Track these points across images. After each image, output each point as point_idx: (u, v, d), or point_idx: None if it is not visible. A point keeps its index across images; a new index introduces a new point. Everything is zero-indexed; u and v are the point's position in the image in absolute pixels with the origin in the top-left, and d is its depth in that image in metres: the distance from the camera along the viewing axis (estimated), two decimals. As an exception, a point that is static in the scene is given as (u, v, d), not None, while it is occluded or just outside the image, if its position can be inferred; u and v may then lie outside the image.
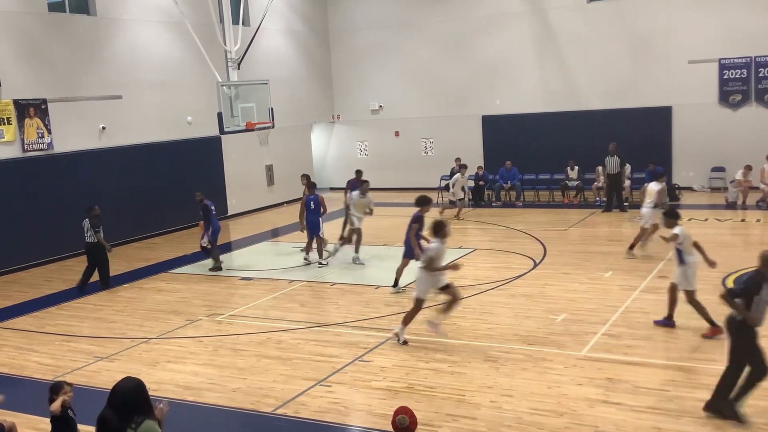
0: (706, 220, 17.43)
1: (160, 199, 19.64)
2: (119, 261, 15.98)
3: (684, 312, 10.45)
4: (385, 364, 9.13)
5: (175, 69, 20.36)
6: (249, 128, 16.59)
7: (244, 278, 14.27)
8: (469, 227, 18.94)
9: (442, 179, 23.57)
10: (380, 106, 26.35)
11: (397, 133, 26.23)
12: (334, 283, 13.44)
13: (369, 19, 25.93)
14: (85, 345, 10.76)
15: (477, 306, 11.45)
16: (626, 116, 22.17)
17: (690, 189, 21.58)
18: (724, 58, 20.94)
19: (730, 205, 18.86)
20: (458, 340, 9.94)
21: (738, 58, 20.79)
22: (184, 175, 20.30)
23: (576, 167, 21.50)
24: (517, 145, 23.38)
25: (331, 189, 27.23)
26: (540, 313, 10.82)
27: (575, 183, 21.35)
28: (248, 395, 8.49)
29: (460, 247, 15.75)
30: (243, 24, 18.17)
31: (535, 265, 13.86)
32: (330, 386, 8.58)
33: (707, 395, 7.57)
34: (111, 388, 4.71)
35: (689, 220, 17.63)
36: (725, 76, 21.08)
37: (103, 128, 18.41)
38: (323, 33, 26.66)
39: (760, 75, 20.62)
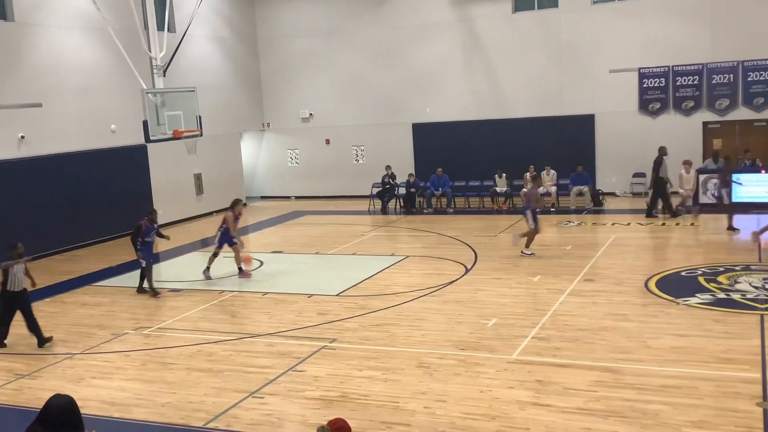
0: (628, 224, 18.00)
1: (83, 209, 19.03)
2: (40, 275, 15.34)
3: (611, 314, 10.76)
4: (318, 374, 9.06)
5: (98, 76, 19.80)
6: (176, 136, 16.24)
7: (172, 290, 13.94)
8: (401, 234, 19.04)
9: (373, 187, 23.64)
10: (311, 114, 26.26)
11: (328, 141, 26.19)
12: (266, 293, 13.28)
13: (298, 26, 25.83)
14: (5, 362, 10.31)
15: (410, 313, 11.50)
16: (552, 124, 22.74)
17: (613, 194, 22.26)
18: (644, 68, 21.73)
19: (651, 210, 19.48)
20: (391, 347, 9.96)
21: (657, 67, 21.60)
22: (108, 184, 19.74)
23: (504, 174, 21.89)
24: (447, 153, 23.66)
25: (262, 198, 26.95)
26: (472, 319, 10.94)
27: (504, 189, 21.75)
28: (178, 410, 8.28)
29: (392, 255, 15.82)
30: (168, 30, 17.83)
31: (467, 271, 14.03)
32: (263, 398, 8.46)
33: (633, 395, 7.81)
34: (42, 405, 4.50)
35: (613, 224, 18.20)
36: (645, 85, 21.86)
37: (23, 137, 17.73)
38: (251, 40, 26.41)
39: (678, 84, 21.47)
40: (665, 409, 7.41)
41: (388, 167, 23.36)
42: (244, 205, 16.58)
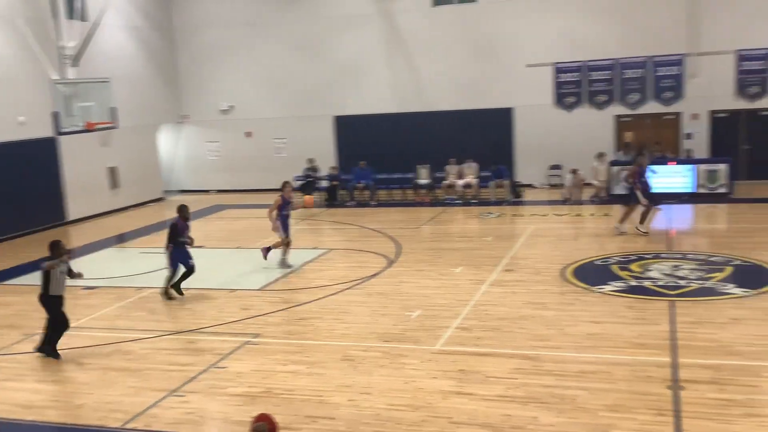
0: (546, 215, 18.48)
1: (-11, 205, 18.15)
2: (-57, 274, 14.60)
3: (530, 303, 11.02)
4: (241, 370, 8.94)
5: (5, 66, 18.82)
6: (89, 128, 15.70)
7: (87, 287, 13.42)
8: (324, 227, 18.97)
9: (295, 179, 23.44)
10: (231, 107, 25.80)
11: (248, 134, 25.81)
12: (187, 289, 12.99)
13: (216, 16, 25.30)
14: None
15: (334, 306, 11.48)
16: (472, 117, 23.07)
17: (531, 186, 22.80)
18: (559, 63, 22.29)
19: (566, 201, 20.08)
20: (316, 341, 9.91)
21: (571, 62, 22.19)
22: (16, 178, 18.87)
23: (426, 166, 22.10)
24: (370, 145, 23.67)
25: (181, 192, 26.33)
26: (396, 311, 11.01)
27: (426, 182, 21.96)
28: (94, 411, 8.02)
29: (315, 248, 15.74)
30: (81, 19, 17.15)
31: (390, 263, 14.10)
32: (184, 396, 8.28)
33: (552, 381, 8.03)
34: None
35: (531, 215, 18.65)
36: (560, 80, 22.43)
37: None
38: (168, 30, 25.71)
39: (591, 78, 22.12)
40: (582, 394, 7.65)
41: (310, 160, 23.21)
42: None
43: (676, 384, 7.78)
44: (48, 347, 9.75)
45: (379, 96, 24.03)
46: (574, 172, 20.10)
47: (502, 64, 22.76)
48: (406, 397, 7.86)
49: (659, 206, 16.21)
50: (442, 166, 21.85)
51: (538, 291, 11.63)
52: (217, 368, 9.06)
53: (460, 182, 21.56)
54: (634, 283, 11.74)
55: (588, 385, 7.89)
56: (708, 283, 11.43)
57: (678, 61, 21.13)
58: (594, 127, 22.07)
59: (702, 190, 19.28)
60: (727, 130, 21.24)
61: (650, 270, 12.42)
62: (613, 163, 20.33)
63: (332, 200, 22.42)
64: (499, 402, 7.60)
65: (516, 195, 21.34)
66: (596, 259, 13.45)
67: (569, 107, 22.43)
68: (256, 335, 10.20)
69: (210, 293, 12.66)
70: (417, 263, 13.98)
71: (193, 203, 23.73)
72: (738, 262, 12.59)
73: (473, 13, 22.99)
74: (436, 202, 21.25)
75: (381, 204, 21.78)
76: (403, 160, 22.82)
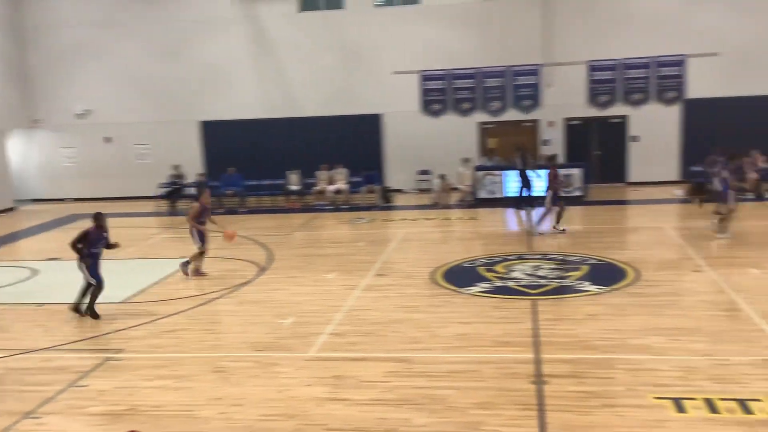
0: (416, 219, 18.85)
1: None
2: None
3: (402, 306, 11.17)
4: (103, 387, 8.47)
5: None
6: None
7: (-73, 306, 12.31)
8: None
9: (160, 187, 22.64)
10: (87, 111, 24.56)
11: (108, 139, 24.65)
12: (42, 304, 12.19)
13: (72, 16, 24.03)
14: None
15: (203, 317, 11.14)
16: (342, 123, 23.21)
17: (401, 191, 23.20)
18: (425, 71, 22.87)
19: (435, 205, 20.60)
20: (184, 353, 9.57)
21: (436, 70, 22.83)
22: None
23: (298, 172, 21.99)
24: (238, 151, 23.26)
25: (34, 201, 24.75)
26: (268, 319, 10.84)
27: (297, 188, 21.84)
28: (-63, 441, 7.34)
29: (182, 257, 15.23)
30: None
31: (262, 270, 13.88)
32: (40, 418, 7.74)
33: (423, 382, 8.16)
34: None
35: (402, 220, 18.97)
36: (426, 87, 23.02)
37: None
38: (17, 29, 24.12)
39: (455, 86, 22.85)
40: (452, 393, 7.83)
41: (175, 166, 22.49)
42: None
43: (539, 379, 8.12)
44: None
45: (248, 101, 23.67)
46: (441, 177, 20.64)
47: (370, 70, 23.04)
48: (280, 406, 7.74)
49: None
50: (313, 172, 21.83)
51: (409, 294, 11.82)
52: (76, 387, 8.53)
53: (331, 188, 21.61)
54: (499, 283, 12.18)
55: (458, 384, 8.09)
56: (566, 282, 12.05)
57: (534, 71, 22.26)
58: (459, 134, 22.80)
59: (559, 194, 20.27)
60: (580, 137, 22.55)
61: (513, 271, 12.93)
62: (478, 168, 21.06)
63: (200, 208, 21.79)
64: (374, 406, 7.64)
65: (386, 200, 21.66)
66: (464, 262, 13.85)
67: (435, 114, 23.05)
68: (119, 350, 9.71)
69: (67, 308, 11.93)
70: (289, 270, 13.85)
71: (48, 213, 22.45)
72: (593, 261, 13.37)
73: (339, 19, 23.15)
74: (307, 208, 21.17)
75: (251, 211, 21.44)
76: (273, 166, 22.60)
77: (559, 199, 16.08)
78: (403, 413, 7.44)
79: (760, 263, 12.55)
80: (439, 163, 22.12)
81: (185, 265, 13.70)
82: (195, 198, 13.91)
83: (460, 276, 12.83)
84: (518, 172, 19.75)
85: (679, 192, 20.36)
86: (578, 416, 7.18)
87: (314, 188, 21.75)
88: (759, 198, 18.75)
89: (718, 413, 7.07)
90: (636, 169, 22.31)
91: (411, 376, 8.39)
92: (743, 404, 7.20)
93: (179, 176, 22.61)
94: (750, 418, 6.94)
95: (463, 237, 16.99)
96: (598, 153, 22.60)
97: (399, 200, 22.09)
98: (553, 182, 16.04)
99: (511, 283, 12.13)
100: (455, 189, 21.14)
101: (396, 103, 23.06)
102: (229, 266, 14.44)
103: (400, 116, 23.16)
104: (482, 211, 19.68)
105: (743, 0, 21.07)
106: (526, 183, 19.60)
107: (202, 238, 13.64)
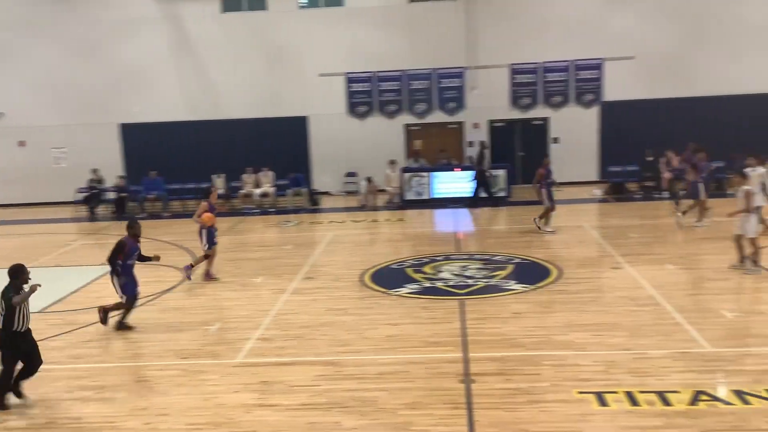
0: (343, 222, 18.82)
1: None
2: None
3: (331, 309, 11.12)
4: (17, 401, 8.11)
5: None
6: None
7: None
8: (112, 242, 17.79)
9: (78, 192, 21.90)
10: (0, 114, 23.54)
11: (22, 143, 23.67)
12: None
13: (-19, 14, 22.98)
14: None
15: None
16: (267, 125, 22.97)
17: (328, 194, 23.13)
18: (351, 73, 22.88)
19: (363, 207, 20.62)
20: (106, 363, 9.27)
21: (362, 72, 22.87)
22: None
23: (223, 175, 21.64)
24: (160, 154, 22.71)
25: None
26: (194, 326, 10.60)
27: (222, 191, 21.48)
28: None
29: (102, 264, 14.74)
30: None
31: (187, 276, 13.56)
32: (-50, 437, 7.36)
33: (353, 385, 8.15)
34: None
35: (330, 222, 18.90)
36: (352, 89, 23.03)
37: None
38: None
39: (381, 89, 22.95)
40: (382, 395, 7.84)
41: (94, 170, 21.81)
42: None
43: (467, 378, 8.22)
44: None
45: (170, 103, 23.16)
46: (368, 179, 20.67)
47: (295, 72, 22.88)
48: (207, 414, 7.58)
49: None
50: (239, 176, 21.52)
51: (338, 297, 11.78)
52: (-10, 403, 8.14)
53: (258, 191, 21.36)
54: (427, 284, 12.28)
55: (387, 385, 8.11)
56: (492, 281, 12.25)
57: (459, 74, 22.58)
58: (386, 136, 22.90)
59: (484, 194, 20.65)
60: (504, 139, 22.99)
61: (441, 271, 13.06)
62: (405, 170, 21.20)
63: (121, 212, 21.19)
64: (303, 411, 7.58)
65: (314, 203, 21.55)
66: (392, 264, 13.91)
67: (362, 116, 23.10)
68: (37, 362, 9.32)
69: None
70: (216, 274, 13.58)
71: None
72: (518, 260, 13.64)
73: (263, 21, 22.92)
74: (233, 212, 20.85)
75: (175, 215, 20.96)
76: (197, 170, 22.16)
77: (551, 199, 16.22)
78: (333, 417, 7.41)
79: (675, 259, 13.06)
80: (366, 165, 22.16)
81: (188, 268, 13.17)
82: (204, 196, 13.36)
83: (389, 278, 12.86)
84: (475, 171, 20.29)
85: (597, 191, 21.01)
86: (506, 413, 7.30)
87: (240, 192, 21.45)
88: (673, 197, 19.49)
89: (639, 406, 7.31)
90: (557, 170, 22.84)
91: (340, 379, 8.36)
92: (662, 396, 7.47)
93: (98, 181, 21.92)
94: (668, 410, 7.20)
95: (391, 239, 17.07)
96: (521, 154, 23.08)
97: (326, 203, 22.02)
98: (544, 181, 16.22)
99: (439, 284, 12.25)
100: (382, 191, 21.22)
101: (322, 106, 22.97)
102: (152, 272, 14.04)
103: (326, 118, 23.08)
104: (410, 213, 19.81)
105: (657, 6, 21.91)
106: (483, 182, 20.09)
107: (210, 239, 13.12)
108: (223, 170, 21.76)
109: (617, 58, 21.91)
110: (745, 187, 12.08)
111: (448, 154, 22.41)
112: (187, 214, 21.05)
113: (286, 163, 21.99)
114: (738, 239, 12.13)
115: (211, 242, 13.19)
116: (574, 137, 22.58)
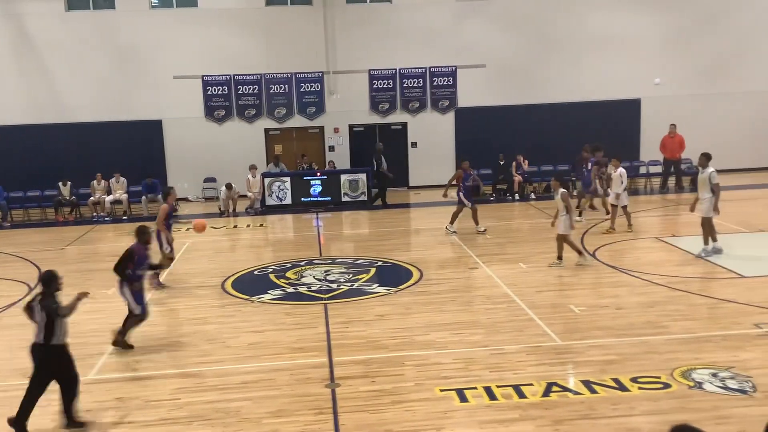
0: (202, 228, 18.29)
1: None
2: None
3: (191, 319, 10.76)
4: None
5: None
6: None
7: None
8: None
9: None
10: None
11: None
12: None
13: None
14: None
15: (-40, 345, 9.94)
16: (119, 129, 21.94)
17: (186, 200, 22.38)
18: (207, 75, 22.31)
19: (223, 213, 20.12)
20: (-62, 388, 8.47)
21: (219, 75, 22.36)
22: None
23: (69, 183, 20.42)
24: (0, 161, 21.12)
25: None
26: (39, 342, 9.91)
27: (69, 199, 20.29)
28: None
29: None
30: None
31: (30, 290, 12.68)
32: None
33: (216, 396, 7.93)
34: None
35: (187, 229, 18.29)
36: (209, 92, 22.47)
37: None
38: None
39: (240, 92, 22.54)
40: (246, 405, 7.68)
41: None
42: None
43: (332, 382, 8.23)
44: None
45: (10, 106, 21.58)
46: (228, 186, 20.19)
47: (147, 74, 22.01)
48: (56, 437, 7.11)
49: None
50: (88, 182, 20.39)
51: (198, 306, 11.44)
52: None
53: (109, 198, 20.36)
54: (291, 290, 12.19)
55: (251, 394, 7.96)
56: (356, 285, 12.34)
57: (319, 78, 22.62)
58: (245, 140, 22.52)
59: (345, 198, 20.82)
60: (364, 143, 23.25)
61: (305, 276, 13.01)
62: (265, 175, 20.95)
63: (-46, 224, 19.49)
64: (162, 426, 7.28)
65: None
66: (254, 269, 13.69)
67: (220, 120, 22.59)
68: None
69: None
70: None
71: None
72: (380, 263, 13.82)
73: (111, 20, 21.90)
74: (82, 221, 19.73)
75: (16, 225, 19.59)
76: (41, 177, 20.80)
77: (472, 200, 16.29)
78: (195, 430, 7.17)
79: (527, 258, 13.72)
80: (226, 170, 21.67)
81: (155, 276, 12.37)
82: (163, 198, 12.94)
83: (251, 284, 12.66)
84: (373, 172, 20.63)
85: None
86: (371, 415, 7.37)
87: (90, 199, 20.33)
88: (523, 198, 20.52)
89: (497, 400, 7.61)
90: (416, 174, 23.44)
91: (202, 391, 8.11)
92: (518, 389, 7.81)
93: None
94: (524, 402, 7.54)
95: (253, 245, 16.79)
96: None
97: (184, 209, 21.27)
98: (462, 183, 16.32)
99: (302, 289, 12.19)
100: (243, 196, 20.84)
101: (178, 109, 22.23)
102: (-8, 287, 13.04)
103: (182, 122, 22.37)
104: (271, 218, 19.59)
105: (505, 17, 22.94)
106: (382, 182, 20.48)
107: (169, 242, 12.68)
108: (71, 177, 20.52)
109: (470, 66, 22.76)
110: (562, 190, 13.04)
111: (309, 159, 22.37)
112: (31, 224, 19.76)
113: (140, 168, 21.08)
114: (560, 239, 13.05)
115: (171, 245, 12.89)
116: (432, 142, 23.21)
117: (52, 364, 7.35)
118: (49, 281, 7.52)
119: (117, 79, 21.95)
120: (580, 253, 13.03)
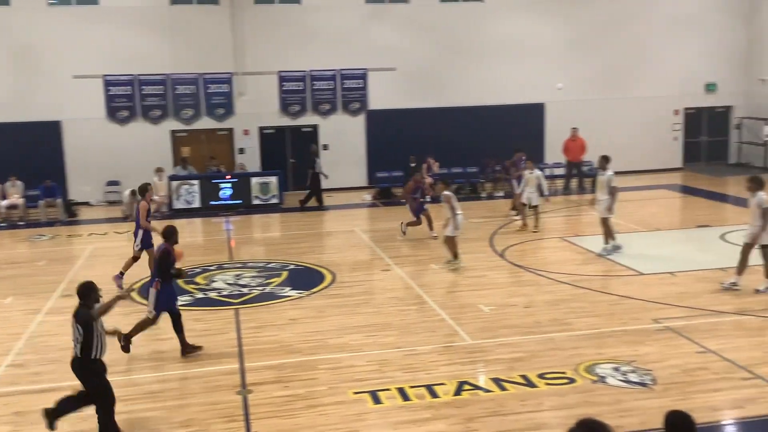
0: (105, 233, 17.66)
1: None
2: None
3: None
4: None
5: None
6: None
7: None
8: None
9: None
10: None
11: None
12: None
13: None
14: None
15: None
16: (14, 131, 20.85)
17: (87, 204, 21.51)
18: (109, 75, 21.53)
19: (127, 218, 19.45)
20: None
21: (122, 75, 21.62)
22: None
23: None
24: None
25: None
26: (-73, 357, 9.31)
27: (-40, 204, 19.17)
28: None
29: None
30: None
31: None
32: None
33: (122, 407, 7.64)
34: None
35: (90, 235, 17.62)
36: (111, 93, 21.69)
37: None
38: None
39: (144, 93, 21.86)
40: (155, 415, 7.44)
41: None
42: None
43: (244, 389, 8.09)
44: None
45: None
46: (133, 192, 19.49)
47: (45, 74, 21.03)
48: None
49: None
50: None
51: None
52: None
53: (4, 203, 19.35)
54: (200, 295, 11.92)
55: (160, 404, 7.74)
56: (268, 289, 12.19)
57: (227, 79, 22.23)
58: (151, 142, 21.85)
59: (256, 201, 20.54)
60: (275, 145, 23.00)
61: (215, 281, 12.75)
62: (172, 178, 20.41)
63: None
64: (64, 441, 6.97)
65: (70, 214, 19.95)
66: (161, 275, 13.28)
67: (123, 121, 21.86)
68: None
69: None
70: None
71: None
72: (292, 267, 13.71)
73: (5, 16, 20.85)
74: (-27, 227, 18.67)
75: None
76: (-73, 180, 19.55)
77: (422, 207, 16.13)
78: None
79: (438, 259, 13.92)
80: (130, 173, 20.91)
81: (119, 277, 11.93)
82: (141, 195, 12.62)
83: (158, 290, 12.26)
84: (310, 174, 20.46)
85: (367, 196, 21.78)
86: (284, 420, 7.29)
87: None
88: (434, 200, 20.76)
89: (410, 400, 7.68)
90: (330, 177, 23.38)
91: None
92: (430, 389, 7.91)
93: None
94: (436, 402, 7.64)
95: (159, 249, 16.29)
96: (293, 161, 23.24)
97: (85, 214, 20.47)
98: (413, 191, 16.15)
99: (212, 294, 11.94)
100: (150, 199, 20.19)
101: (78, 110, 21.34)
102: None
103: (83, 123, 21.49)
104: (179, 222, 19.03)
105: (413, 21, 23.19)
106: (315, 185, 20.46)
107: (146, 240, 12.18)
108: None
109: (380, 69, 22.89)
110: (446, 192, 13.40)
111: (218, 161, 21.93)
112: None
113: (38, 171, 20.10)
114: (447, 241, 13.40)
115: (147, 244, 12.24)
116: (343, 144, 23.19)
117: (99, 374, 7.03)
118: (86, 292, 7.04)
119: (11, 78, 20.88)
120: (455, 256, 13.30)
